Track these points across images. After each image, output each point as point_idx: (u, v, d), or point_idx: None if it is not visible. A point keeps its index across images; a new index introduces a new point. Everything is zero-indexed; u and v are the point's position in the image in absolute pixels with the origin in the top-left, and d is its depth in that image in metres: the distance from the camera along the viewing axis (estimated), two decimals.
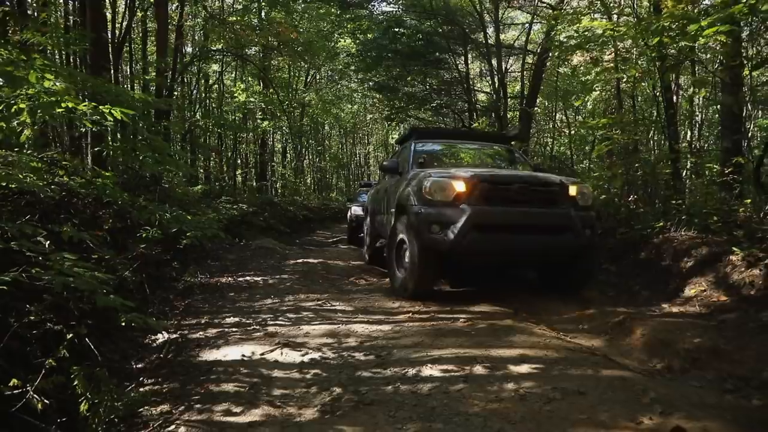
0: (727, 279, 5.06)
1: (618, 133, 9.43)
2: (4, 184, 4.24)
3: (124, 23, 14.06)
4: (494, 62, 17.70)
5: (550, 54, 15.57)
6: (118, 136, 10.15)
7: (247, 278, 7.30)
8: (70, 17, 12.71)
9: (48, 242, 3.76)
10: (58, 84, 4.51)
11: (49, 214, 4.85)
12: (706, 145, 14.30)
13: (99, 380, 2.98)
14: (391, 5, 19.27)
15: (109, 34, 12.18)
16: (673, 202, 7.16)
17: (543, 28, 17.46)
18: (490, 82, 20.14)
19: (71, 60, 12.31)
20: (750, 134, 13.25)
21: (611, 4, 11.52)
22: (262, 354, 3.89)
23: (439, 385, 3.09)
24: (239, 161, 25.03)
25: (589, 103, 17.04)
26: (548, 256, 5.69)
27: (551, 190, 5.52)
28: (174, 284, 6.37)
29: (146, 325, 3.89)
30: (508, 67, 21.67)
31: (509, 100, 19.21)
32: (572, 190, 5.57)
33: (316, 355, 3.84)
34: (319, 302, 5.78)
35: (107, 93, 5.73)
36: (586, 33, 8.73)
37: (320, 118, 32.14)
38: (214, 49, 18.88)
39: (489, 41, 18.20)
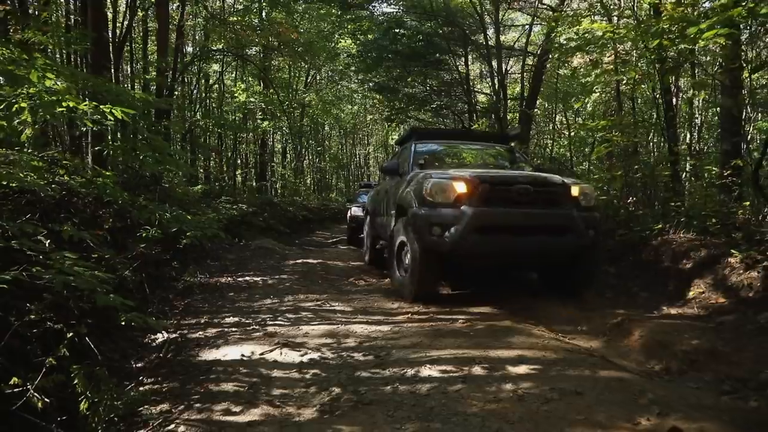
0: (726, 281, 5.07)
1: (618, 135, 9.45)
2: (4, 183, 4.25)
3: (125, 23, 14.07)
4: (494, 64, 17.71)
5: (550, 56, 15.60)
6: (119, 136, 10.16)
7: (247, 278, 7.32)
8: (71, 16, 12.72)
9: (48, 241, 3.77)
10: (59, 83, 4.51)
11: (50, 213, 4.86)
12: (705, 148, 14.31)
13: (99, 379, 2.99)
14: (392, 6, 19.37)
15: (110, 34, 12.20)
16: (672, 204, 7.17)
17: (543, 29, 17.46)
18: (490, 84, 20.18)
19: (72, 59, 12.31)
20: (749, 137, 13.26)
21: (611, 7, 11.54)
22: (262, 354, 3.91)
23: (437, 386, 3.10)
24: (239, 161, 25.04)
25: (588, 105, 17.04)
26: (550, 257, 5.63)
27: (553, 190, 5.46)
28: (173, 284, 6.39)
29: (146, 325, 3.90)
30: (508, 68, 21.69)
31: (509, 101, 19.23)
32: (574, 191, 5.53)
33: (315, 355, 3.85)
34: (319, 302, 5.79)
35: (108, 92, 5.73)
36: (586, 35, 8.74)
37: (320, 118, 32.13)
38: (215, 49, 18.90)
39: (489, 43, 18.20)
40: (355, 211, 13.69)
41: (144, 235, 5.97)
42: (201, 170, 19.86)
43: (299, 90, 27.74)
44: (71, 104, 4.56)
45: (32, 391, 2.59)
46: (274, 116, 23.28)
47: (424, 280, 5.47)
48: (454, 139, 8.35)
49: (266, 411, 2.91)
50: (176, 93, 15.68)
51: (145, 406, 3.04)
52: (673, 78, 9.99)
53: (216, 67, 22.32)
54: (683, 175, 10.07)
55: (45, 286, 3.34)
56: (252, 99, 20.37)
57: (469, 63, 21.05)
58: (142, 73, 15.83)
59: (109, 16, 12.87)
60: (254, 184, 23.54)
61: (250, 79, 22.90)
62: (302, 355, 3.84)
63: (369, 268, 8.61)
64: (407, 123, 23.36)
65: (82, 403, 2.81)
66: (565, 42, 11.26)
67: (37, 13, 9.74)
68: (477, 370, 3.32)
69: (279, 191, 26.77)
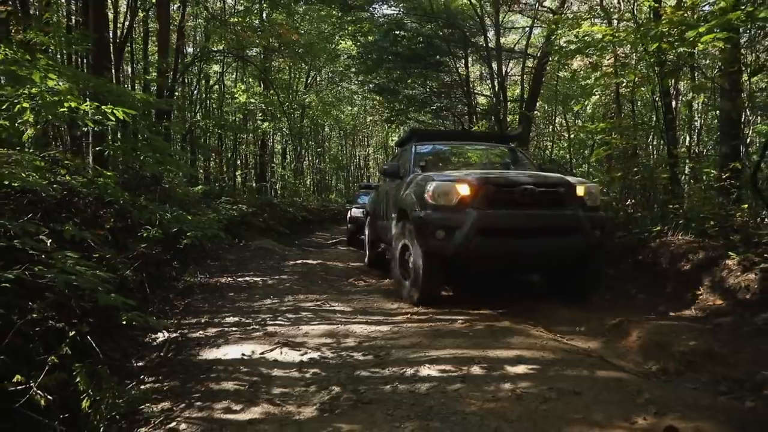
0: (723, 283, 5.09)
1: (617, 137, 9.48)
2: (6, 182, 4.28)
3: (126, 23, 14.10)
4: (494, 66, 17.75)
5: (550, 58, 15.63)
6: (119, 136, 10.19)
7: (247, 278, 7.34)
8: (72, 17, 12.75)
9: (50, 241, 3.80)
10: (61, 84, 4.54)
11: (51, 213, 4.88)
12: (704, 151, 14.35)
13: (100, 378, 3.02)
14: (392, 8, 19.35)
15: (111, 34, 12.23)
16: (671, 206, 7.20)
17: (543, 32, 17.50)
18: (490, 86, 20.21)
19: (73, 59, 12.34)
20: (749, 140, 13.30)
21: (611, 10, 11.58)
22: (262, 353, 3.93)
23: (436, 385, 3.13)
24: (239, 162, 25.06)
25: (588, 108, 17.10)
26: (557, 259, 5.56)
27: (558, 190, 5.36)
28: (174, 284, 6.42)
29: (147, 324, 3.93)
30: (508, 70, 21.73)
31: (509, 103, 19.26)
32: (580, 190, 5.44)
33: (315, 354, 3.88)
34: (318, 303, 5.82)
35: (109, 93, 5.76)
36: (586, 38, 8.77)
37: (320, 119, 32.15)
38: (215, 50, 18.92)
39: (489, 45, 18.23)
40: (355, 212, 13.68)
41: (145, 235, 5.99)
42: (201, 171, 19.88)
43: (299, 91, 27.75)
44: (73, 104, 4.59)
45: (35, 389, 2.62)
46: (274, 117, 23.29)
47: (427, 283, 5.38)
48: (454, 140, 8.27)
49: (266, 409, 2.94)
50: (177, 94, 15.71)
51: (147, 405, 3.07)
52: (673, 81, 10.03)
53: (216, 67, 22.34)
54: (682, 178, 10.10)
55: (47, 285, 3.37)
56: (252, 100, 20.38)
57: (470, 65, 21.09)
58: (142, 74, 15.86)
59: (110, 16, 12.90)
60: (254, 184, 23.56)
61: (250, 80, 22.93)
62: (302, 355, 3.86)
63: (369, 269, 8.64)
64: (407, 124, 23.38)
65: (84, 401, 2.84)
66: (565, 45, 11.31)
67: (38, 13, 9.79)
68: (476, 369, 3.35)
69: (279, 192, 26.77)
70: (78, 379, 2.89)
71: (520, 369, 3.33)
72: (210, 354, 3.99)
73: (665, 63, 7.96)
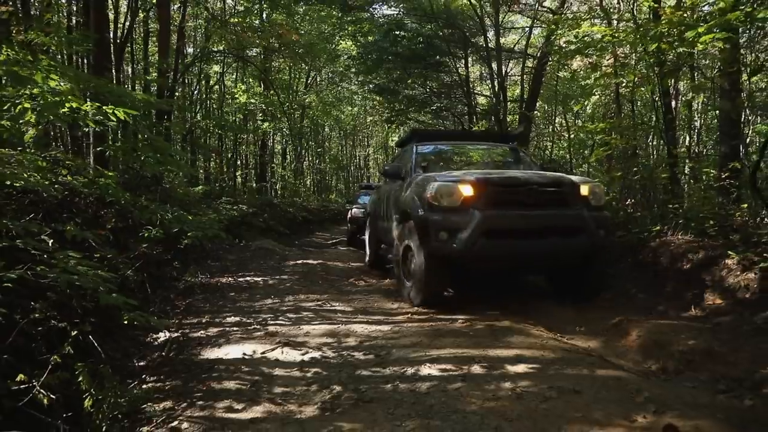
0: (723, 282, 5.10)
1: (617, 137, 9.50)
2: (8, 183, 4.29)
3: (126, 24, 14.11)
4: (494, 66, 17.76)
5: (550, 58, 15.66)
6: (119, 136, 10.21)
7: (248, 278, 7.36)
8: (73, 17, 12.77)
9: (51, 241, 3.81)
10: (63, 84, 4.56)
11: (52, 213, 4.90)
12: (704, 150, 14.37)
13: (102, 377, 3.04)
14: (392, 8, 19.37)
15: (111, 35, 12.24)
16: (671, 206, 7.21)
17: (543, 32, 17.52)
18: (490, 86, 20.23)
19: (73, 60, 12.35)
20: (748, 140, 13.32)
21: (611, 10, 11.60)
22: (263, 353, 3.95)
23: (437, 384, 3.14)
24: (239, 162, 25.08)
25: (588, 108, 17.12)
26: (562, 259, 5.48)
27: (562, 190, 5.31)
28: (175, 284, 6.44)
29: (148, 324, 3.94)
30: (508, 70, 21.74)
31: (509, 103, 19.28)
32: (584, 190, 5.38)
33: (316, 354, 3.90)
34: (319, 302, 5.84)
35: (110, 93, 5.78)
36: (586, 38, 8.78)
37: (320, 119, 32.18)
38: (216, 50, 18.94)
39: (489, 45, 18.25)
40: (356, 212, 13.70)
41: (146, 235, 6.01)
42: (201, 171, 19.90)
43: (299, 91, 27.77)
44: (74, 105, 4.60)
45: (38, 388, 2.63)
46: (275, 117, 23.31)
47: (430, 285, 5.33)
48: (455, 140, 8.21)
49: (268, 408, 2.95)
50: (177, 94, 15.74)
51: (149, 404, 3.09)
52: (672, 81, 10.03)
53: (216, 68, 22.35)
54: (682, 178, 10.12)
55: (49, 285, 3.38)
56: (252, 100, 20.41)
57: (469, 65, 21.10)
58: (142, 74, 15.88)
59: (111, 17, 12.92)
60: (254, 185, 23.58)
61: (250, 80, 22.96)
62: (303, 354, 3.88)
63: (369, 270, 8.65)
64: (407, 125, 23.39)
65: (87, 400, 2.85)
66: (564, 45, 11.32)
67: (38, 13, 9.81)
68: (476, 369, 3.37)
69: (279, 192, 26.79)
70: (80, 379, 2.90)
71: (521, 368, 3.34)
72: (211, 353, 4.01)
73: (665, 63, 7.98)
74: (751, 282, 4.83)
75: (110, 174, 6.17)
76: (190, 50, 20.68)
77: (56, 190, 5.05)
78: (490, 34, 18.44)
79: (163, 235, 6.25)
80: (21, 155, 4.73)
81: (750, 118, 14.07)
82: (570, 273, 5.75)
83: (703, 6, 7.29)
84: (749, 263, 5.00)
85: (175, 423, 2.82)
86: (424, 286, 5.32)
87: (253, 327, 4.72)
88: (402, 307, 5.54)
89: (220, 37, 17.60)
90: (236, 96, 20.49)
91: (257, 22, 19.53)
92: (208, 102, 22.61)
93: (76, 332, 3.30)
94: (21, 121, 4.18)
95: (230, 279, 7.27)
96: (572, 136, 16.40)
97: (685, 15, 6.49)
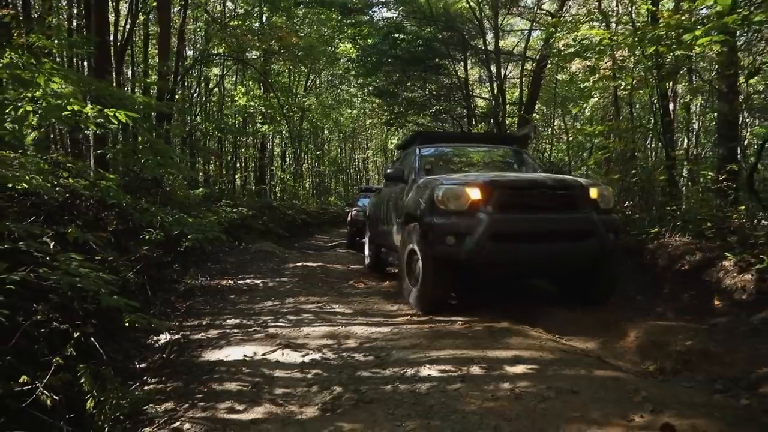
0: (720, 284, 5.13)
1: (615, 140, 9.54)
2: (10, 185, 4.32)
3: (127, 26, 14.14)
4: (493, 68, 17.82)
5: (549, 61, 15.71)
6: (119, 139, 10.24)
7: (247, 281, 7.38)
8: (74, 20, 12.81)
9: (53, 243, 3.84)
10: (65, 87, 4.59)
11: (53, 216, 4.93)
12: (702, 153, 14.43)
13: (104, 378, 3.06)
14: (392, 11, 19.42)
15: (111, 37, 12.28)
16: (669, 208, 7.24)
17: (542, 35, 17.60)
18: (489, 88, 20.27)
19: (74, 63, 12.40)
20: (746, 142, 13.39)
21: (609, 13, 11.66)
22: (264, 354, 3.98)
23: (436, 385, 3.17)
24: (239, 165, 25.14)
25: (587, 110, 17.19)
26: (571, 264, 5.34)
27: (572, 193, 5.18)
28: (175, 286, 6.45)
29: (150, 326, 3.96)
30: (507, 73, 21.81)
31: (508, 106, 19.32)
32: (593, 193, 5.26)
33: (316, 355, 3.92)
34: (319, 305, 5.86)
35: (111, 96, 5.82)
36: (584, 41, 8.83)
37: (320, 122, 32.25)
38: (216, 53, 18.99)
39: (488, 48, 18.31)
40: (355, 215, 13.73)
41: (147, 237, 6.04)
42: (201, 174, 19.94)
43: (299, 94, 27.84)
44: (76, 108, 4.63)
45: (41, 389, 2.66)
46: (274, 120, 23.37)
47: (435, 289, 5.22)
48: (458, 142, 8.07)
49: (269, 409, 2.98)
50: (177, 97, 15.77)
51: (150, 405, 3.11)
52: (670, 84, 10.09)
53: (216, 70, 22.43)
54: (680, 180, 10.16)
55: (51, 287, 3.41)
56: (252, 103, 20.48)
57: (469, 68, 21.14)
58: (142, 77, 15.92)
59: (111, 19, 12.95)
60: (254, 187, 23.62)
61: (250, 82, 23.04)
62: (304, 356, 3.91)
63: (368, 272, 8.67)
64: (406, 127, 23.44)
65: (89, 401, 2.88)
66: (563, 48, 11.37)
67: (38, 16, 9.84)
68: (475, 369, 3.39)
69: (278, 195, 26.84)
70: (82, 380, 2.93)
71: (519, 369, 3.37)
72: (212, 355, 4.04)
73: (663, 66, 8.03)
74: (747, 283, 4.87)
75: (111, 177, 6.20)
76: (190, 53, 20.74)
77: (57, 193, 5.08)
78: (489, 36, 18.52)
79: (163, 238, 6.27)
80: (23, 158, 4.75)
81: (748, 120, 14.13)
82: (578, 276, 5.63)
83: (701, 9, 7.33)
84: (746, 265, 5.04)
85: (177, 424, 2.84)
86: (430, 291, 5.22)
87: (253, 329, 4.75)
88: (401, 309, 5.56)
89: (220, 39, 17.68)
90: (236, 99, 20.57)
91: (257, 24, 19.62)
92: (208, 105, 22.67)
93: (78, 334, 3.33)
94: (25, 124, 4.20)
95: (230, 281, 7.29)
96: (571, 138, 16.47)
97: (683, 18, 6.52)
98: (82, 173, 6.48)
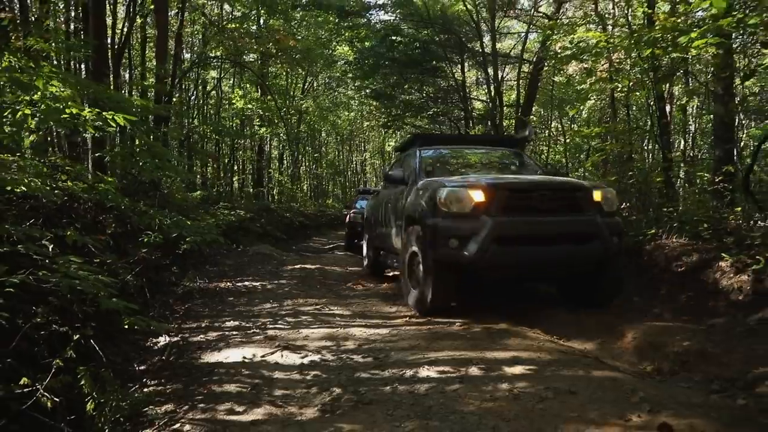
0: (717, 284, 5.16)
1: (612, 143, 9.58)
2: (9, 188, 4.33)
3: (124, 29, 14.16)
4: (490, 71, 17.87)
5: (546, 63, 15.76)
6: (117, 142, 10.26)
7: (246, 283, 7.39)
8: (71, 23, 12.81)
9: (52, 246, 3.85)
10: (63, 91, 4.61)
11: (52, 218, 4.93)
12: (699, 154, 14.50)
13: (104, 381, 3.07)
14: (389, 14, 19.46)
15: (109, 41, 12.29)
16: (666, 209, 7.27)
17: (539, 37, 17.67)
18: (486, 91, 20.32)
19: (71, 65, 12.40)
20: (742, 143, 13.44)
21: (606, 16, 11.71)
22: (263, 356, 3.98)
23: (435, 386, 3.18)
24: (236, 167, 25.15)
25: (584, 112, 17.24)
26: (576, 267, 5.28)
27: (576, 195, 5.15)
28: (173, 289, 6.46)
29: (149, 328, 3.98)
30: (504, 75, 21.87)
31: (505, 108, 19.38)
32: (596, 195, 5.20)
33: (315, 357, 3.93)
34: (318, 307, 5.87)
35: (109, 99, 5.83)
36: (581, 44, 8.87)
37: (317, 125, 32.30)
38: (213, 55, 19.01)
39: (485, 50, 18.37)
40: (353, 217, 13.75)
41: (146, 240, 6.05)
42: (198, 176, 19.95)
43: (296, 96, 27.88)
44: (75, 111, 4.65)
45: (42, 391, 2.66)
46: (272, 123, 23.40)
47: (438, 293, 5.10)
48: (458, 144, 8.03)
49: (269, 410, 2.99)
50: (174, 99, 15.78)
51: (150, 407, 3.11)
52: (667, 86, 10.13)
53: (214, 73, 22.45)
54: (677, 182, 10.20)
55: (51, 290, 3.42)
56: (249, 105, 20.52)
57: (466, 70, 21.21)
58: (139, 80, 15.93)
59: (108, 22, 12.97)
60: (251, 190, 23.64)
61: (247, 85, 23.06)
62: (303, 358, 3.92)
63: (366, 274, 8.68)
64: (404, 130, 23.49)
65: (89, 403, 2.89)
66: (560, 50, 11.41)
67: (35, 19, 9.84)
68: (474, 370, 3.41)
69: (276, 197, 26.86)
70: (82, 382, 2.94)
71: (517, 369, 3.38)
72: (211, 357, 4.05)
73: (659, 68, 8.07)
74: (744, 284, 4.90)
75: (110, 179, 6.21)
76: (188, 56, 20.75)
77: (56, 196, 5.09)
78: (486, 39, 18.61)
79: (162, 241, 6.28)
80: (22, 161, 4.76)
81: (744, 122, 14.19)
82: (582, 279, 5.57)
83: (697, 12, 7.37)
84: (742, 266, 5.07)
85: (177, 425, 2.85)
86: (432, 294, 5.10)
87: (252, 331, 4.76)
88: (400, 310, 5.58)
89: (217, 42, 17.70)
90: (233, 101, 20.59)
91: (254, 27, 19.65)
92: (206, 107, 22.67)
93: (77, 336, 3.34)
94: (24, 127, 4.21)
95: (229, 284, 7.30)
96: (568, 140, 16.52)
97: (679, 21, 6.56)
98: (81, 176, 6.49)
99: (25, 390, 2.67)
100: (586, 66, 10.88)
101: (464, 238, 4.80)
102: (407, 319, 5.15)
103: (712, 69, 9.03)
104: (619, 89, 10.09)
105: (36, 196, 4.76)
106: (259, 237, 13.88)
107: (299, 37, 21.20)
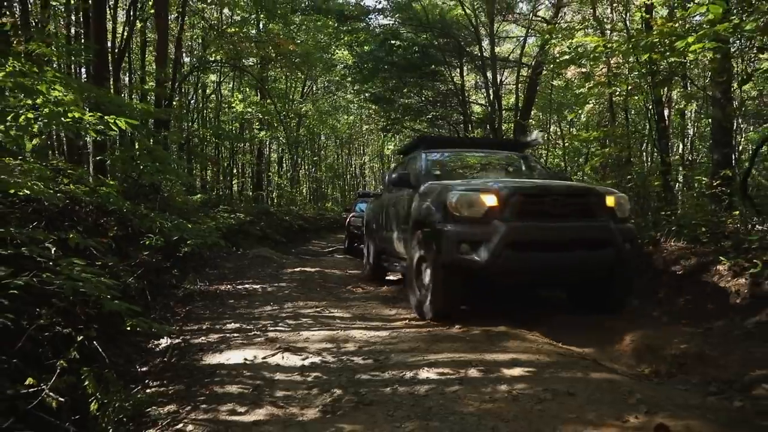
0: (715, 288, 5.20)
1: (611, 147, 9.63)
2: (12, 191, 4.36)
3: (124, 33, 14.20)
4: (489, 75, 17.94)
5: (544, 67, 15.81)
6: (117, 145, 10.29)
7: (246, 286, 7.42)
8: (72, 28, 12.86)
9: (54, 248, 3.88)
10: (66, 95, 4.65)
11: (54, 221, 4.97)
12: (698, 158, 14.55)
13: (107, 381, 3.10)
14: (388, 18, 19.52)
15: (109, 45, 12.33)
16: (664, 213, 7.32)
17: (537, 41, 17.74)
18: (485, 95, 20.39)
19: (72, 69, 12.45)
20: (740, 147, 13.49)
21: (604, 21, 11.76)
22: (264, 358, 4.02)
23: (435, 387, 3.21)
24: (236, 171, 25.19)
25: (582, 116, 17.29)
26: (588, 273, 5.20)
27: (589, 200, 5.07)
28: (174, 291, 6.49)
29: (151, 330, 4.00)
30: (502, 79, 21.94)
31: (504, 112, 19.44)
32: (610, 201, 5.15)
33: (316, 359, 3.97)
34: (318, 309, 5.90)
35: (110, 103, 5.87)
36: (579, 48, 8.92)
37: (316, 128, 32.35)
38: (213, 59, 19.06)
39: (484, 54, 18.43)
40: (353, 220, 13.78)
41: (147, 243, 6.08)
42: (198, 180, 19.98)
43: (296, 100, 27.94)
44: (77, 115, 4.69)
45: (47, 391, 2.70)
46: (271, 126, 23.44)
47: (446, 299, 5.04)
48: (464, 147, 7.98)
49: (271, 411, 3.02)
50: (174, 103, 15.82)
51: (153, 407, 3.14)
52: (665, 90, 10.18)
53: (213, 77, 22.49)
54: (675, 185, 10.25)
55: (54, 292, 3.45)
56: (249, 109, 20.55)
57: (464, 74, 21.28)
58: (140, 84, 15.98)
59: (108, 26, 13.02)
60: (251, 193, 23.67)
61: (247, 89, 23.12)
62: (303, 359, 3.95)
63: (366, 277, 8.71)
64: (403, 133, 23.53)
65: (93, 403, 2.92)
66: (558, 54, 11.47)
67: (36, 23, 9.90)
68: (473, 372, 3.44)
69: (275, 201, 26.89)
70: (86, 383, 2.97)
71: (516, 371, 3.42)
72: (213, 359, 4.08)
73: (657, 72, 8.12)
74: (741, 287, 4.94)
75: (111, 183, 6.25)
76: (188, 60, 20.81)
77: (58, 199, 5.12)
78: (485, 43, 18.65)
79: (163, 243, 6.32)
80: (25, 164, 4.80)
81: (742, 126, 14.24)
82: (591, 285, 5.50)
83: (694, 17, 7.42)
84: (740, 269, 5.11)
85: (180, 425, 2.88)
86: (441, 300, 5.04)
87: (253, 333, 4.79)
88: (400, 313, 5.61)
89: (217, 46, 17.74)
90: (233, 105, 20.62)
91: (254, 31, 19.71)
92: (205, 111, 22.71)
93: (81, 338, 3.38)
94: (29, 130, 4.25)
95: (229, 286, 7.33)
96: (567, 144, 16.58)
97: (676, 26, 6.61)
98: (82, 179, 6.52)
99: (30, 390, 2.70)
100: (584, 70, 10.94)
101: (476, 243, 4.71)
102: (407, 321, 5.19)
103: (709, 73, 9.09)
104: (617, 93, 10.13)
105: (39, 199, 4.79)
106: (258, 240, 13.90)
107: (299, 41, 21.26)
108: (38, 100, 4.44)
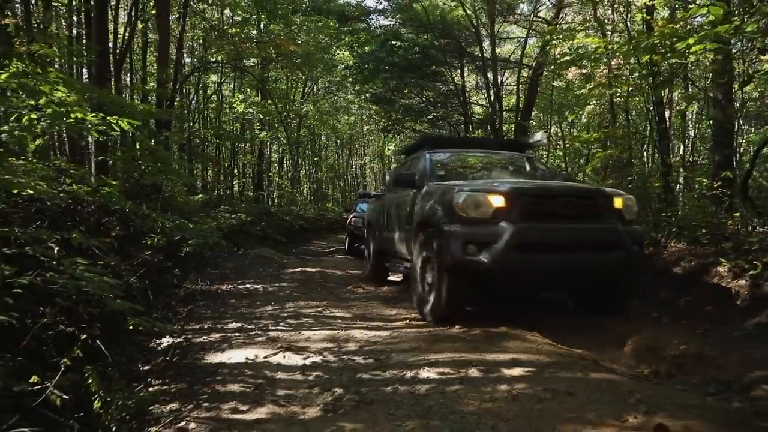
0: (715, 289, 5.22)
1: (612, 148, 9.65)
2: (15, 191, 4.39)
3: (126, 34, 14.23)
4: (490, 75, 17.94)
5: (545, 68, 15.82)
6: (119, 146, 10.32)
7: (247, 286, 7.44)
8: (74, 29, 12.89)
9: (57, 248, 3.91)
10: (69, 96, 4.67)
11: (57, 221, 5.00)
12: (698, 159, 14.55)
13: (110, 380, 3.13)
14: (389, 19, 19.54)
15: (111, 45, 12.36)
16: (665, 214, 7.34)
17: (538, 42, 17.76)
18: (485, 95, 20.40)
19: (74, 70, 12.47)
20: (741, 149, 13.49)
21: (605, 22, 11.79)
22: (266, 357, 4.04)
23: (435, 386, 3.23)
24: (237, 171, 25.22)
25: (583, 117, 17.31)
26: (596, 275, 5.15)
27: (597, 202, 5.01)
28: (175, 291, 6.51)
29: (153, 329, 4.03)
30: (503, 80, 21.95)
31: (505, 113, 19.45)
32: (617, 202, 5.09)
33: (317, 358, 3.99)
34: (319, 309, 5.92)
35: (112, 104, 5.90)
36: (580, 49, 8.93)
37: (317, 129, 32.38)
38: (214, 60, 19.09)
39: (485, 55, 18.44)
40: (354, 220, 13.78)
41: (149, 242, 6.10)
42: (199, 180, 20.00)
43: (296, 101, 27.95)
44: (79, 116, 4.71)
45: (52, 389, 2.72)
46: (272, 126, 23.48)
47: (452, 300, 4.96)
48: (469, 148, 7.89)
49: (272, 410, 3.04)
50: (175, 104, 15.84)
51: (156, 406, 3.17)
52: (666, 91, 10.21)
53: (214, 78, 22.52)
54: (676, 187, 10.26)
55: (57, 291, 3.48)
56: (250, 109, 20.58)
57: (465, 75, 21.28)
58: (140, 84, 16.01)
59: (110, 27, 13.04)
60: (252, 193, 23.70)
61: (248, 89, 23.15)
62: (305, 359, 3.97)
63: (367, 277, 8.72)
64: (404, 134, 23.56)
65: (96, 401, 2.94)
66: (559, 55, 11.48)
67: (41, 25, 9.92)
68: (473, 372, 3.46)
69: (276, 201, 26.90)
70: (89, 381, 2.99)
71: (516, 371, 3.43)
72: (215, 358, 4.10)
73: (658, 74, 8.14)
74: (741, 289, 4.96)
75: (113, 183, 6.27)
76: (189, 60, 20.83)
77: (61, 199, 5.15)
78: (486, 44, 18.67)
79: (165, 243, 6.34)
80: (28, 164, 4.82)
81: (743, 127, 14.24)
82: (595, 286, 5.47)
83: (696, 18, 7.44)
84: (740, 270, 5.13)
85: (183, 423, 2.90)
86: (446, 302, 4.97)
87: (254, 332, 4.81)
88: (400, 313, 5.63)
89: (218, 47, 17.78)
90: (234, 105, 20.65)
91: (255, 32, 19.74)
92: (206, 111, 22.74)
93: (84, 336, 3.40)
94: (33, 130, 4.28)
95: (230, 286, 7.35)
96: (568, 145, 16.58)
97: (677, 27, 6.63)
98: (84, 179, 6.55)
99: (35, 387, 2.73)
100: (585, 71, 10.96)
101: (483, 244, 4.64)
102: (408, 321, 5.20)
103: (710, 75, 9.11)
104: (618, 94, 10.16)
105: (42, 199, 4.82)
106: (259, 240, 13.92)
107: (299, 42, 21.30)
108: (41, 101, 4.47)
